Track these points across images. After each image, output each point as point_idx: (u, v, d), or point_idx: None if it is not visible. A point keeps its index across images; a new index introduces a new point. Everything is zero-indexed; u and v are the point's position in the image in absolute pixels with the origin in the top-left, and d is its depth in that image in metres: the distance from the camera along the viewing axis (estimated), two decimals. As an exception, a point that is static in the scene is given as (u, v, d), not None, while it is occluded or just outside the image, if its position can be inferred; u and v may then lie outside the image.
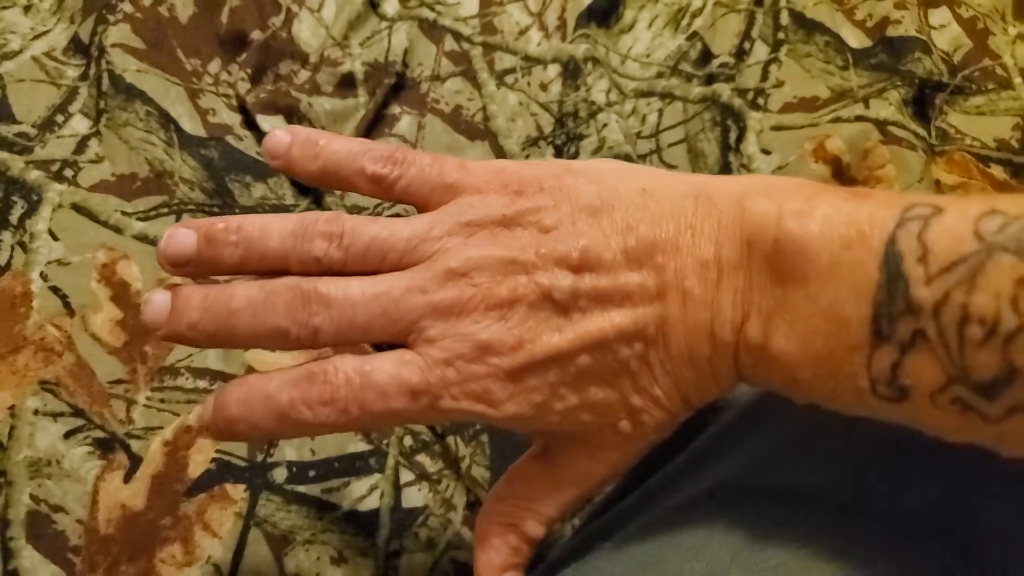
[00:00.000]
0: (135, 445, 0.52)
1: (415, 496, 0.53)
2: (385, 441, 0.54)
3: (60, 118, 0.62)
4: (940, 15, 0.68)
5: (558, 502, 0.31)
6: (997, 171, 0.62)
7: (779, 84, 0.65)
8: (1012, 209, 0.20)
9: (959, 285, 0.20)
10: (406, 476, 0.53)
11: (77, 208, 0.59)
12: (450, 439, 0.55)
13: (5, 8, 0.65)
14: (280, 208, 0.61)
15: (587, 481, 0.30)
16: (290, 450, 0.53)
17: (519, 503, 0.31)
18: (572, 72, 0.66)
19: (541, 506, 0.30)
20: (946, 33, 0.67)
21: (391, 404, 0.28)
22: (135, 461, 0.52)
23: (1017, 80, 0.65)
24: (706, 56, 0.67)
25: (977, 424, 0.21)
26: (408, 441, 0.54)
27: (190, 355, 0.55)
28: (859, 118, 0.64)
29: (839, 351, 0.23)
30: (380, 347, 0.31)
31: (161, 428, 0.53)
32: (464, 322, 0.27)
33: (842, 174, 0.62)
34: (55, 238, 0.57)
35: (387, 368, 0.28)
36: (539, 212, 0.28)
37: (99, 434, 0.52)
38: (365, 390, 0.28)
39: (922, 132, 0.63)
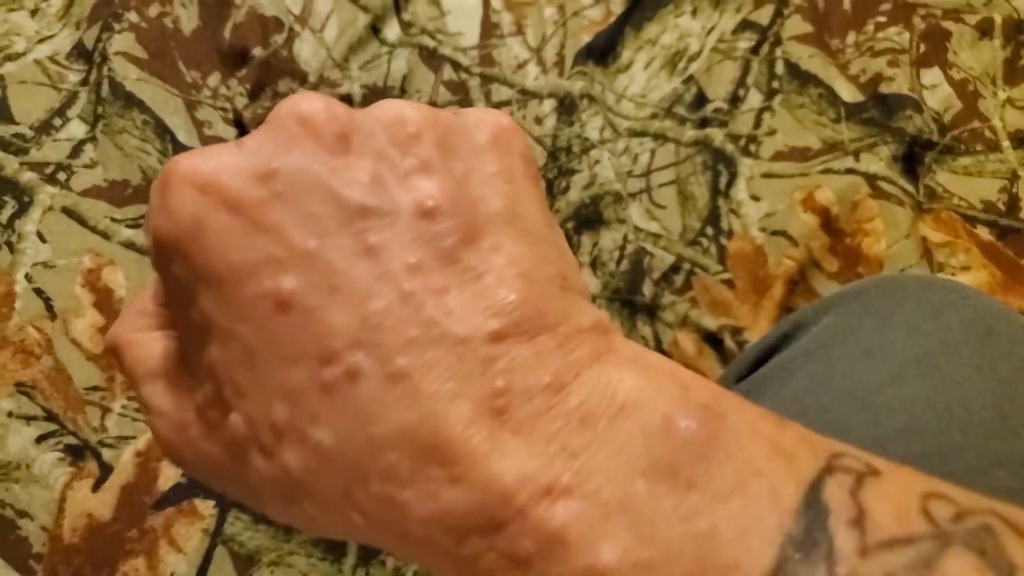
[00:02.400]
0: (107, 454, 0.52)
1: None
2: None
3: (58, 121, 0.63)
4: (932, 75, 0.70)
5: None
6: (983, 232, 0.64)
7: (771, 132, 0.67)
8: (962, 500, 0.17)
9: (908, 571, 0.15)
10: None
11: (67, 211, 0.59)
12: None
13: (12, 10, 0.66)
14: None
15: None
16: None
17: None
18: (567, 108, 0.67)
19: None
20: (937, 93, 0.69)
21: None
22: (105, 470, 0.52)
23: (1005, 143, 0.67)
24: (700, 100, 0.68)
25: None
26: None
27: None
28: (849, 171, 0.65)
29: None
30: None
31: (134, 438, 0.53)
32: None
33: (831, 225, 0.63)
34: (43, 240, 0.58)
35: None
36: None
37: (71, 440, 0.52)
38: None
39: (910, 189, 0.65)
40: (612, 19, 0.71)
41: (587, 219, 0.64)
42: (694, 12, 0.72)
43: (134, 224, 0.60)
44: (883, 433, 0.33)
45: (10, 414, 0.52)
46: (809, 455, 0.17)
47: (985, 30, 0.72)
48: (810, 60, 0.70)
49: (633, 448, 0.16)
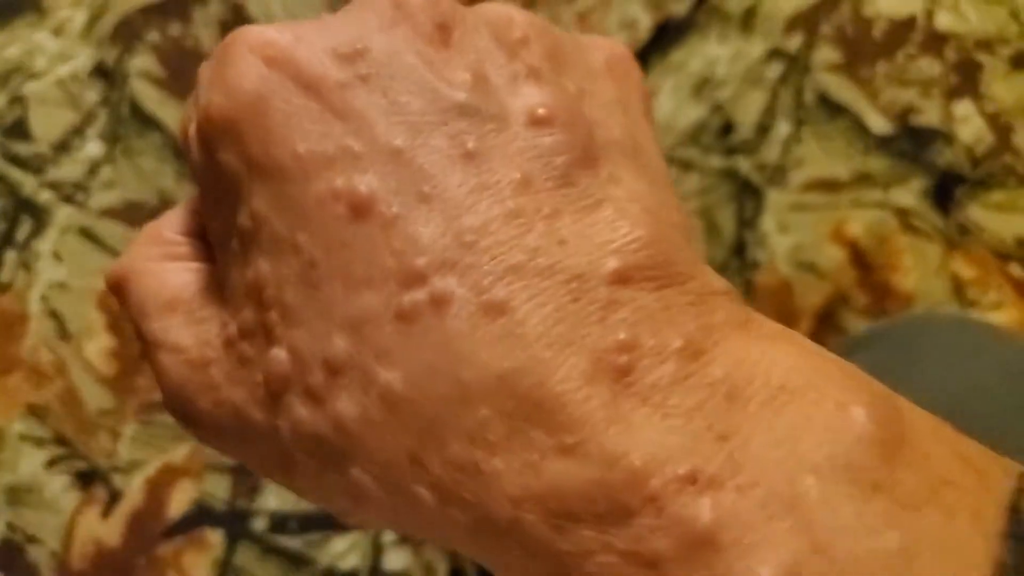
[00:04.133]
0: (117, 479, 0.53)
1: (396, 558, 0.53)
2: (371, 496, 0.55)
3: (76, 141, 0.64)
4: (964, 107, 0.69)
5: None
6: (1015, 269, 0.64)
7: (799, 163, 0.67)
8: None
9: None
10: (388, 536, 0.54)
11: (84, 232, 0.60)
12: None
13: (34, 30, 0.67)
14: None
15: None
16: (272, 498, 0.53)
17: None
18: (592, 135, 0.68)
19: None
20: (969, 126, 0.69)
21: None
22: (115, 496, 0.52)
23: (1040, 178, 0.67)
24: (727, 129, 0.68)
25: None
26: (395, 498, 0.55)
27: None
28: (879, 204, 0.65)
29: None
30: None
31: (145, 463, 0.53)
32: None
33: (859, 259, 0.63)
34: (59, 260, 0.59)
35: None
36: None
37: (82, 465, 0.53)
38: None
39: (941, 224, 0.65)
40: (638, 44, 0.72)
41: (609, 248, 0.64)
42: (722, 39, 0.73)
43: (150, 245, 0.61)
44: None
45: (22, 437, 0.53)
46: (999, 470, 0.15)
47: (1018, 62, 0.72)
48: (839, 90, 0.70)
49: (799, 438, 0.13)
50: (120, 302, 0.17)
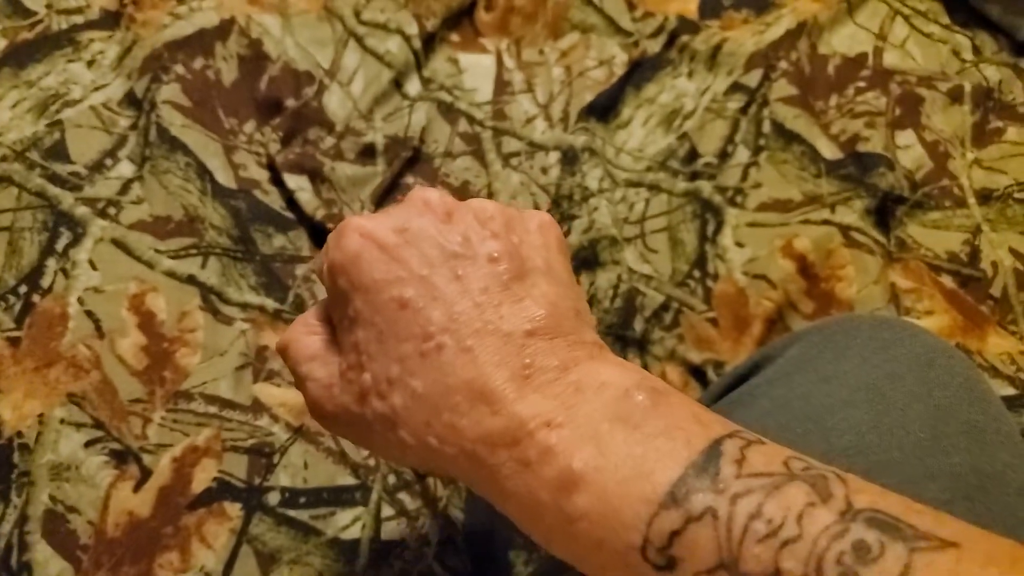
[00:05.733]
0: (147, 459, 0.60)
1: (394, 530, 0.60)
2: (371, 478, 0.62)
3: (109, 162, 0.72)
4: (906, 136, 0.78)
5: None
6: (947, 280, 0.72)
7: (757, 185, 0.75)
8: (813, 463, 0.25)
9: (760, 489, 0.23)
10: (387, 511, 0.61)
11: (116, 243, 0.68)
12: (430, 480, 0.62)
13: (71, 61, 0.75)
14: (297, 258, 0.71)
15: None
16: (284, 477, 0.61)
17: None
18: (570, 159, 0.76)
19: None
20: (910, 153, 0.77)
21: None
22: (145, 473, 0.59)
23: (971, 200, 0.75)
24: (692, 155, 0.77)
25: None
26: (392, 479, 0.62)
27: (204, 382, 0.63)
28: (825, 222, 0.73)
29: (631, 497, 0.24)
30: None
31: (171, 445, 0.61)
32: None
33: (807, 271, 0.71)
34: (94, 268, 0.67)
35: None
36: None
37: (116, 446, 0.60)
38: None
39: (882, 239, 0.73)
40: (614, 79, 0.80)
41: (585, 260, 0.72)
42: (690, 74, 0.81)
43: (175, 256, 0.68)
44: (832, 450, 0.39)
45: (62, 421, 0.60)
46: (719, 426, 0.26)
47: (956, 96, 0.81)
48: (795, 120, 0.79)
49: (605, 406, 0.27)
50: (284, 357, 0.33)
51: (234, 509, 0.59)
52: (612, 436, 0.26)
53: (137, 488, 0.59)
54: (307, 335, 0.32)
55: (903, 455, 0.37)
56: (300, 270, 0.70)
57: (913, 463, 0.37)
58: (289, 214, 0.72)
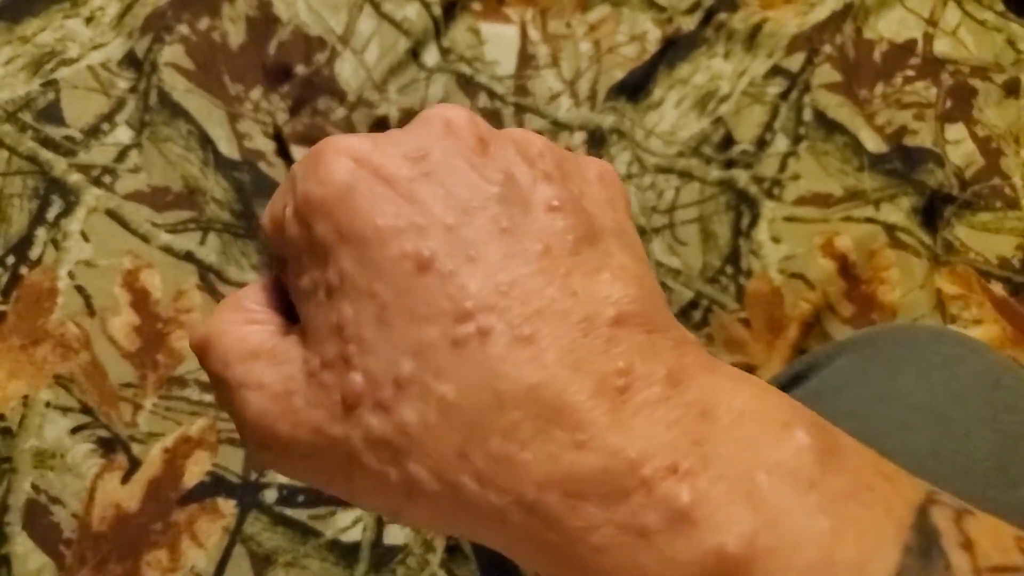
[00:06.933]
0: (136, 448, 0.57)
1: (397, 534, 0.57)
2: (375, 475, 0.59)
3: (106, 126, 0.68)
4: (956, 131, 0.74)
5: None
6: (997, 287, 0.68)
7: (795, 177, 0.71)
8: None
9: None
10: (391, 512, 0.58)
11: (111, 214, 0.64)
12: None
13: (68, 17, 0.71)
14: (303, 237, 0.67)
15: None
16: (283, 472, 0.58)
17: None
18: (597, 141, 0.72)
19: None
20: (960, 148, 0.73)
21: None
22: (134, 464, 0.56)
23: (1024, 202, 0.71)
24: (727, 141, 0.73)
25: None
26: (397, 478, 0.59)
27: (200, 368, 0.60)
28: (869, 220, 0.69)
29: None
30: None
31: (163, 435, 0.57)
32: None
33: (847, 271, 0.67)
34: (86, 239, 0.63)
35: None
36: None
37: (104, 433, 0.57)
38: None
39: (928, 241, 0.69)
40: (646, 57, 0.76)
41: (610, 251, 0.68)
42: (727, 55, 0.77)
43: (172, 230, 0.65)
44: None
45: (48, 404, 0.57)
46: (910, 484, 0.19)
47: (1011, 89, 0.76)
48: (837, 109, 0.74)
49: (756, 448, 0.18)
50: (201, 356, 0.22)
51: (228, 506, 0.56)
52: (779, 497, 0.17)
53: (125, 479, 0.56)
54: (243, 324, 0.22)
55: (965, 485, 0.34)
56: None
57: (977, 495, 0.35)
58: (296, 190, 0.68)
